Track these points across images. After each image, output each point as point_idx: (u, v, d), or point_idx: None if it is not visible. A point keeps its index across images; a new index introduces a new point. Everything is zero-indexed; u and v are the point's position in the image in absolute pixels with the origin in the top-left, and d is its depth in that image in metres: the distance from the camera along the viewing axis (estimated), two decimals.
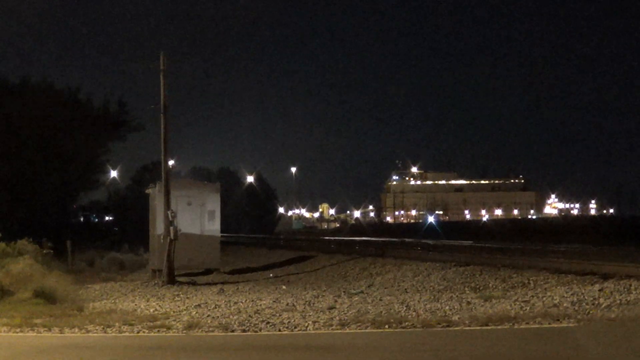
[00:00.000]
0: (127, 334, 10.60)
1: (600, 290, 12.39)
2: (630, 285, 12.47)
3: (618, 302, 11.35)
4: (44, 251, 19.93)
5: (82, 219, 57.15)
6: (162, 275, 20.14)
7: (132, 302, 14.90)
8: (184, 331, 10.63)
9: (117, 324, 11.24)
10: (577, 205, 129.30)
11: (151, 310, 13.34)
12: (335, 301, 13.63)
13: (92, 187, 48.05)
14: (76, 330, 10.84)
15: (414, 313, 11.48)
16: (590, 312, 10.78)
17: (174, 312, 12.89)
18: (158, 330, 10.75)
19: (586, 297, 11.90)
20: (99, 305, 14.23)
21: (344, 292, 15.80)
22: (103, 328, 10.92)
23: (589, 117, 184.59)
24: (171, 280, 19.59)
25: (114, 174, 50.23)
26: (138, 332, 10.65)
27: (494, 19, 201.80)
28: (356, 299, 14.12)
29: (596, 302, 11.49)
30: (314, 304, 13.38)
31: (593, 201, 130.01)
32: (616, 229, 41.03)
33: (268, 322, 11.06)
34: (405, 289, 16.03)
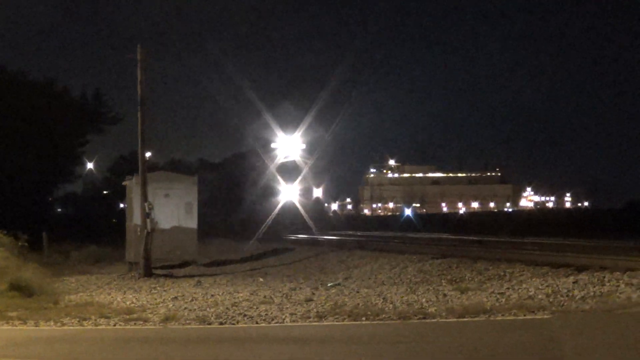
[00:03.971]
0: (103, 326, 10.56)
1: (574, 282, 12.53)
2: (604, 277, 12.61)
3: (592, 294, 11.47)
4: (20, 243, 19.74)
5: (59, 211, 56.75)
6: (139, 268, 20.06)
7: (108, 295, 14.84)
8: (161, 324, 10.61)
9: (93, 316, 11.20)
10: (553, 198, 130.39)
11: (128, 302, 13.29)
12: (313, 293, 13.66)
13: (69, 179, 47.79)
14: (52, 323, 10.79)
15: (390, 305, 11.53)
16: (565, 303, 10.89)
17: (150, 304, 12.85)
18: (135, 323, 10.72)
19: (561, 289, 12.02)
20: (75, 298, 14.15)
21: (321, 284, 15.85)
22: (79, 321, 10.87)
23: (566, 110, 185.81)
24: (148, 272, 19.53)
25: (90, 165, 49.97)
26: (114, 325, 10.61)
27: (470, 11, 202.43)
28: (333, 291, 14.15)
29: (571, 294, 11.60)
30: (291, 296, 13.40)
31: (568, 194, 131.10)
32: (589, 221, 41.52)
33: (245, 315, 11.07)
34: (382, 281, 16.10)
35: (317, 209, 62.91)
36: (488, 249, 20.84)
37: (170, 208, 23.20)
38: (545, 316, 9.95)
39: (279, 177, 47.86)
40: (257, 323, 10.51)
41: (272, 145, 42.52)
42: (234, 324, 10.52)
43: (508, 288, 12.68)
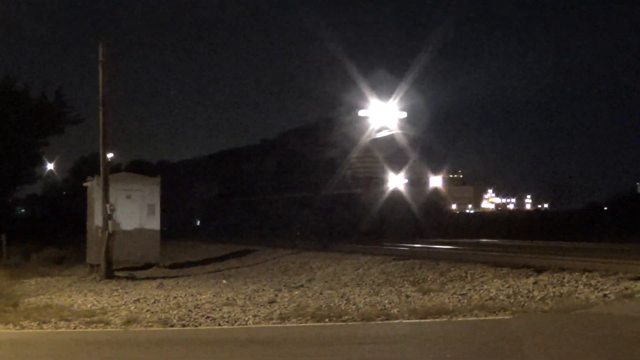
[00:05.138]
0: (63, 329, 10.43)
1: (534, 283, 12.71)
2: (564, 278, 12.81)
3: (552, 294, 11.66)
4: None
5: (20, 212, 56.01)
6: (100, 270, 19.85)
7: (69, 297, 14.66)
8: (123, 326, 10.52)
9: (53, 319, 11.05)
10: (514, 200, 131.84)
11: (88, 305, 13.15)
12: (276, 295, 13.65)
13: (29, 180, 47.15)
14: (11, 326, 10.62)
15: (353, 306, 11.58)
16: (525, 304, 11.05)
17: (112, 307, 12.73)
18: (95, 326, 10.61)
19: (521, 290, 12.19)
20: (34, 301, 13.95)
21: (284, 286, 15.84)
22: (39, 324, 10.73)
23: (527, 111, 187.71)
24: (109, 274, 19.33)
25: (51, 166, 49.37)
26: (75, 328, 10.49)
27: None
28: (297, 292, 14.16)
29: (531, 295, 11.78)
30: (254, 298, 13.38)
31: (529, 196, 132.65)
32: (548, 223, 42.18)
33: (208, 317, 11.03)
34: (346, 283, 16.15)
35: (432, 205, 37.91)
36: (450, 249, 21.04)
37: (132, 209, 23.00)
38: (506, 317, 10.08)
39: (377, 158, 34.60)
40: (220, 325, 10.47)
41: (361, 113, 32.37)
42: (196, 326, 10.47)
43: (469, 289, 12.83)
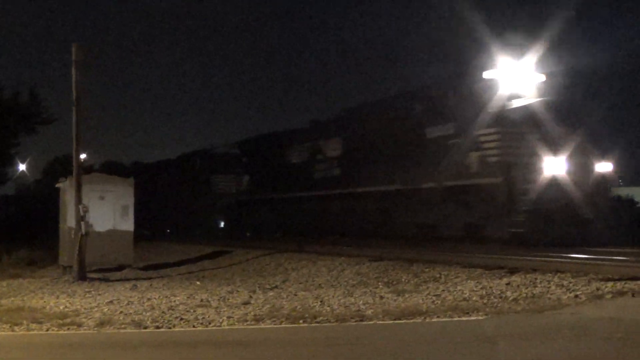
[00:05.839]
0: (35, 331, 10.33)
1: (507, 284, 12.82)
2: (536, 279, 12.95)
3: (524, 295, 11.77)
4: None
5: None
6: (72, 272, 19.70)
7: (41, 299, 14.52)
8: (96, 328, 10.44)
9: (25, 321, 10.94)
10: None
11: (61, 307, 13.03)
12: (250, 297, 13.64)
13: (0, 180, 46.63)
14: None
15: (328, 308, 11.60)
16: (498, 305, 11.14)
17: (85, 309, 12.63)
18: (68, 328, 10.53)
19: (494, 291, 12.29)
20: (5, 303, 13.79)
21: (259, 287, 15.82)
22: (10, 326, 10.61)
23: None
24: (82, 276, 19.19)
25: (22, 167, 48.89)
26: (47, 330, 10.40)
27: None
28: (271, 294, 14.15)
29: (504, 296, 11.88)
30: (228, 299, 13.35)
31: None
32: None
33: (182, 319, 10.98)
34: (320, 284, 16.17)
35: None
36: (424, 251, 21.13)
37: (105, 211, 22.84)
38: (480, 317, 10.16)
39: (523, 135, 23.97)
40: (194, 327, 10.44)
41: (486, 75, 23.90)
42: (170, 327, 10.42)
43: (443, 290, 12.91)
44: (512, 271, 14.19)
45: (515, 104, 24.22)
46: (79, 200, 20.01)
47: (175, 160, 55.66)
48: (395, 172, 28.97)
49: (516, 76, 24.15)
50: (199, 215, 47.97)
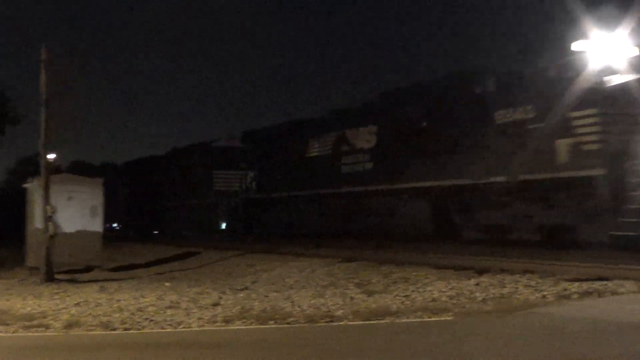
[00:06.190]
0: (2, 334, 10.21)
1: (476, 284, 12.92)
2: (504, 279, 13.08)
3: (492, 295, 11.87)
4: None
5: None
6: (40, 273, 19.49)
7: (7, 301, 14.34)
8: (63, 330, 10.34)
9: None
10: None
11: (28, 309, 12.89)
12: (220, 298, 13.59)
13: None
14: None
15: (298, 309, 11.60)
16: (467, 305, 11.21)
17: (52, 310, 12.50)
18: (35, 330, 10.41)
19: (464, 291, 12.38)
20: None
21: (229, 288, 15.77)
22: None
23: None
24: (50, 277, 19.00)
25: None
26: (14, 332, 10.28)
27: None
28: (241, 295, 14.12)
29: (473, 296, 11.97)
30: (198, 300, 13.29)
31: None
32: None
33: (151, 320, 10.91)
34: (291, 285, 16.15)
35: None
36: (394, 252, 21.20)
37: (74, 211, 22.65)
38: (449, 318, 10.22)
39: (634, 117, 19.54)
40: (163, 328, 10.37)
41: (575, 47, 20.07)
42: (139, 329, 10.35)
43: (413, 291, 12.98)
44: (481, 272, 14.32)
45: (616, 80, 20.13)
46: (46, 201, 19.81)
47: (168, 155, 51.46)
48: (452, 165, 24.26)
49: (610, 49, 20.11)
50: (197, 215, 44.24)
